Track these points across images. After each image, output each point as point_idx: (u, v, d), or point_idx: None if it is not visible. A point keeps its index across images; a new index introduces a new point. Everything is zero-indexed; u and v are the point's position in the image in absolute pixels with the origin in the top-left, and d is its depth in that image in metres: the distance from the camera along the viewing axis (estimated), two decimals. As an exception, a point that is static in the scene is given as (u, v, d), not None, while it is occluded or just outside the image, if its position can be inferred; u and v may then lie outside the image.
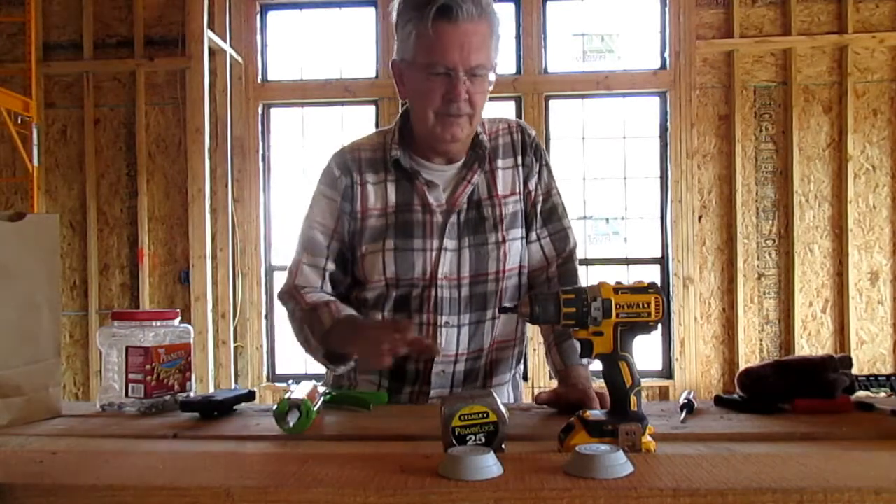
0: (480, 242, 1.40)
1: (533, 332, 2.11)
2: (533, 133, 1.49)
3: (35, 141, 4.14)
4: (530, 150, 1.46)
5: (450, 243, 1.38)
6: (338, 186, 1.41)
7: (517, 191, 1.44)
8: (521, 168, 1.44)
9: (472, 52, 1.27)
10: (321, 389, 1.21)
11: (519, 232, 1.44)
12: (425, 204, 1.38)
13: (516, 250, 1.43)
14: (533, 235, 1.46)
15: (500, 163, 1.43)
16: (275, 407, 1.05)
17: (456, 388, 1.42)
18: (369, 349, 1.20)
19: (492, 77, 1.32)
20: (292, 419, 1.03)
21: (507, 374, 1.50)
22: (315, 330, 1.33)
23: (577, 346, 0.97)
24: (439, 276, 1.38)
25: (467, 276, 1.39)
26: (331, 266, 1.43)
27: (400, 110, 1.47)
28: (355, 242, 1.41)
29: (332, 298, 1.40)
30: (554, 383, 1.39)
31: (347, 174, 1.41)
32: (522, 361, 1.60)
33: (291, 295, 1.41)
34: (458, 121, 1.32)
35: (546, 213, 1.47)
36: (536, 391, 1.35)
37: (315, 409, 1.09)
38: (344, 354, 1.33)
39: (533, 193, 1.45)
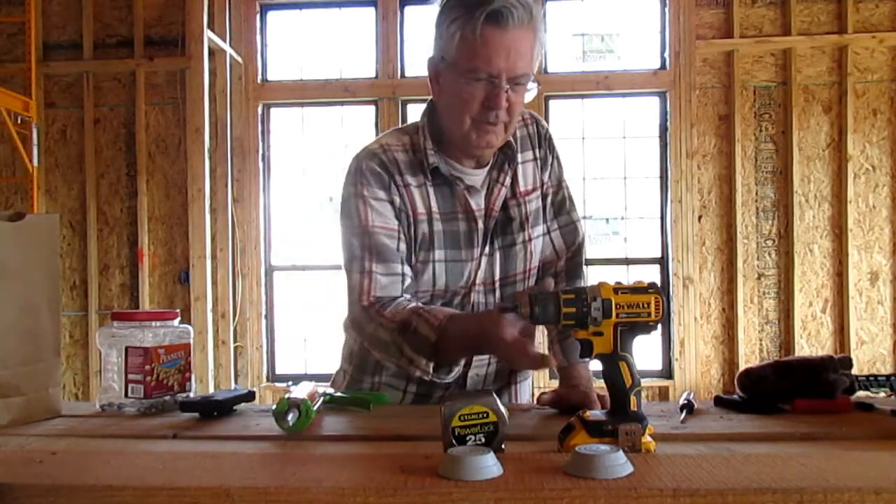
0: (509, 244, 1.38)
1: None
2: (546, 126, 1.47)
3: (35, 141, 4.14)
4: (544, 142, 1.44)
5: (488, 248, 1.36)
6: (390, 187, 1.30)
7: (537, 186, 1.42)
8: (538, 162, 1.43)
9: (517, 61, 1.21)
10: (321, 389, 1.21)
11: (541, 229, 1.42)
12: (468, 211, 1.33)
13: (538, 247, 1.42)
14: (544, 228, 1.44)
15: (519, 157, 1.40)
16: (274, 407, 1.05)
17: (487, 387, 1.41)
18: (520, 358, 1.10)
19: (531, 85, 1.26)
20: (292, 419, 1.03)
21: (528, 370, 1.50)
22: (421, 349, 1.19)
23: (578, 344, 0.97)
24: (477, 281, 1.35)
25: (499, 279, 1.38)
26: (407, 270, 1.30)
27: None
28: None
29: (414, 303, 1.27)
30: (554, 383, 1.39)
31: (391, 175, 1.31)
32: None
33: (370, 316, 1.27)
34: (495, 128, 1.26)
35: (557, 206, 1.46)
36: (537, 391, 1.35)
37: (315, 409, 1.09)
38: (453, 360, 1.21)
39: (545, 186, 1.44)
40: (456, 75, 1.24)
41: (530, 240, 1.39)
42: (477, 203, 1.34)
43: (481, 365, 1.39)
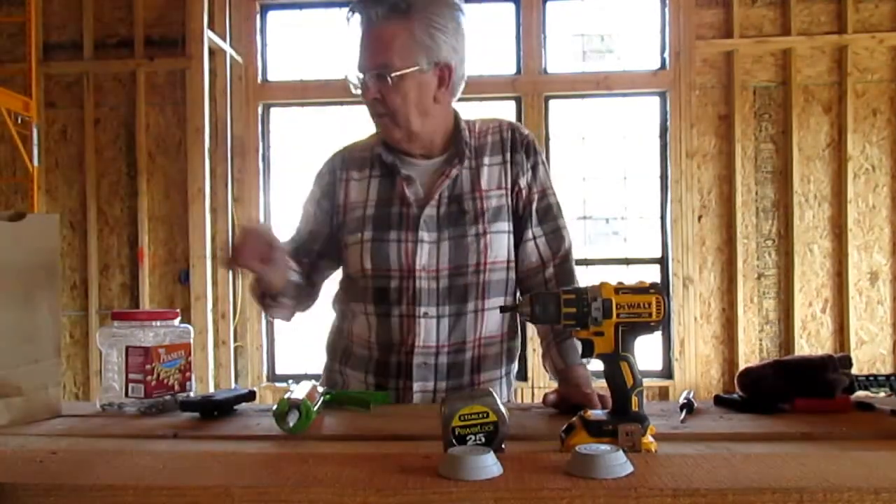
0: (460, 235, 1.41)
1: (533, 332, 2.10)
2: (526, 132, 1.50)
3: (35, 141, 4.14)
4: (521, 147, 1.46)
5: (427, 235, 1.41)
6: (320, 183, 1.54)
7: (503, 186, 1.45)
8: (508, 165, 1.46)
9: (374, 54, 1.34)
10: (321, 389, 1.22)
11: (504, 226, 1.44)
12: (403, 197, 1.43)
13: (500, 243, 1.43)
14: (528, 234, 1.46)
15: (486, 160, 1.45)
16: (275, 407, 1.05)
17: (440, 381, 1.42)
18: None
19: (420, 76, 1.36)
20: (292, 419, 1.03)
21: (497, 370, 1.49)
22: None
23: (578, 344, 0.97)
24: (417, 267, 1.40)
25: (446, 268, 1.41)
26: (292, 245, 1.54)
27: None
28: (340, 235, 1.48)
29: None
30: (555, 384, 1.39)
31: (331, 172, 1.52)
32: (517, 360, 1.60)
33: None
34: (383, 121, 1.40)
35: (541, 212, 1.47)
36: (537, 391, 1.36)
37: (315, 409, 1.09)
38: (269, 293, 1.46)
39: (526, 192, 1.46)
40: None
41: (485, 233, 1.42)
42: (414, 191, 1.43)
43: (428, 353, 1.41)
